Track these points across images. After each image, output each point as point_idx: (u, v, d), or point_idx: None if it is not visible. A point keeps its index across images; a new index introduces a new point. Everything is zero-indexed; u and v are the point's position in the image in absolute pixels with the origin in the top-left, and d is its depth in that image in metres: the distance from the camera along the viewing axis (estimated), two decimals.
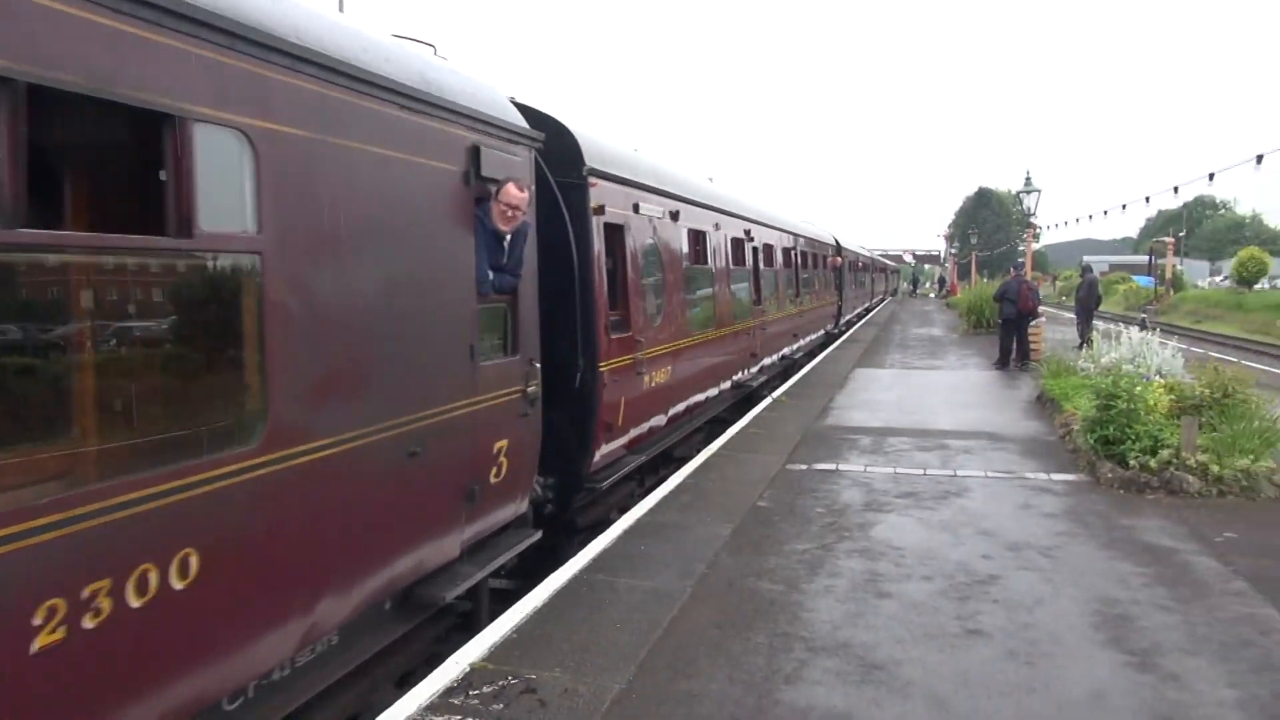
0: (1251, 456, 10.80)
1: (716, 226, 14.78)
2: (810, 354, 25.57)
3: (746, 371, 16.99)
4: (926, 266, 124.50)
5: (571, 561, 8.18)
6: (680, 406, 12.25)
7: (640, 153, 11.86)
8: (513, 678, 5.93)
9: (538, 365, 7.57)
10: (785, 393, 18.68)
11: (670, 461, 12.59)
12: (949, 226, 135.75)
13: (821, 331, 28.21)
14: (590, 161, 9.39)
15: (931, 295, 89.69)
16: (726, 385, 15.16)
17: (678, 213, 12.55)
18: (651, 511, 9.80)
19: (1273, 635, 6.72)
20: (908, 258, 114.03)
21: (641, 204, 10.94)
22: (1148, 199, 43.66)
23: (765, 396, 17.92)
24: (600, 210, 9.54)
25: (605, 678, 5.91)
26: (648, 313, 10.85)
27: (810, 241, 26.27)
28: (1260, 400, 12.39)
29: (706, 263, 14.29)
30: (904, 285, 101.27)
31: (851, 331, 36.98)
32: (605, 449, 9.66)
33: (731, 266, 15.71)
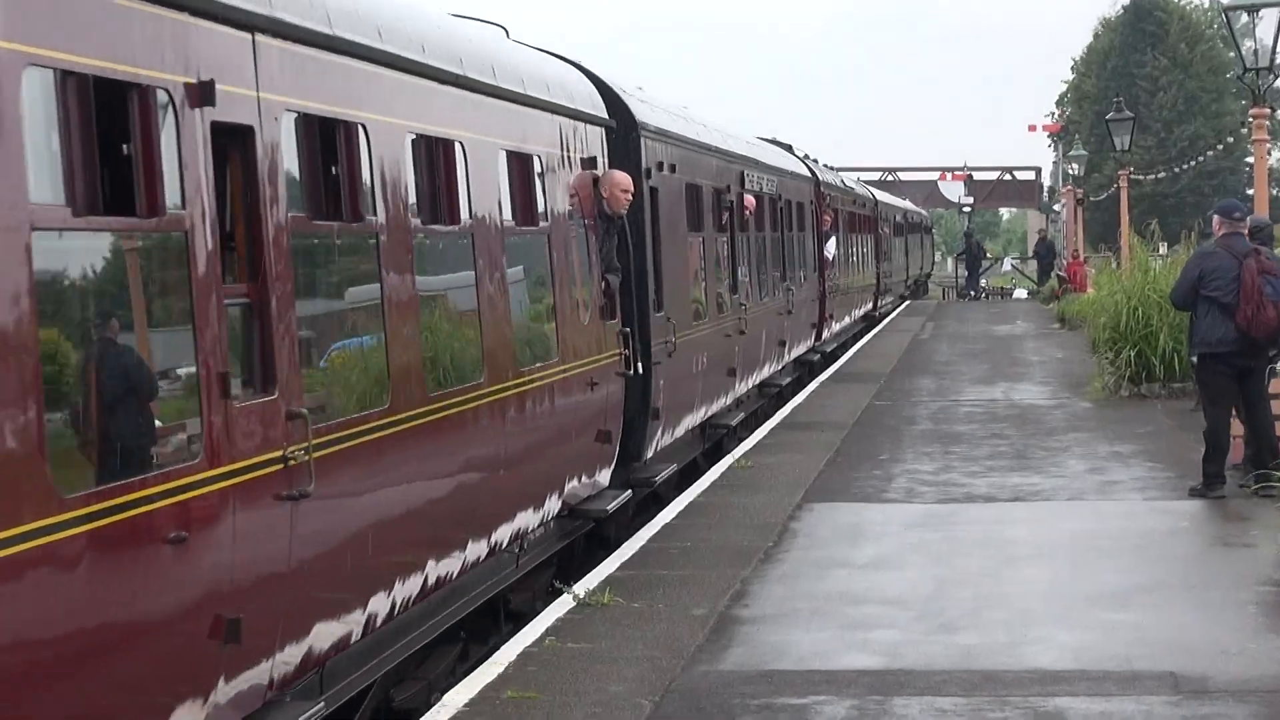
0: None
1: None
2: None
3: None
4: (1005, 214, 75.41)
5: None
6: None
7: None
8: None
9: None
10: (610, 579, 9.80)
11: None
12: (1057, 106, 76.26)
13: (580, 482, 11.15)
14: None
15: (1023, 292, 52.51)
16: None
17: None
18: None
19: None
20: (950, 189, 63.11)
21: None
22: None
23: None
24: None
25: None
26: None
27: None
28: None
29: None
30: (953, 267, 56.92)
31: (796, 404, 20.71)
32: None
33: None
